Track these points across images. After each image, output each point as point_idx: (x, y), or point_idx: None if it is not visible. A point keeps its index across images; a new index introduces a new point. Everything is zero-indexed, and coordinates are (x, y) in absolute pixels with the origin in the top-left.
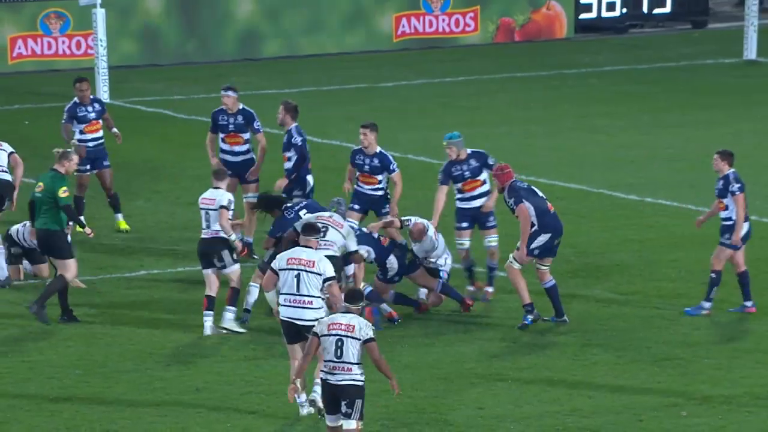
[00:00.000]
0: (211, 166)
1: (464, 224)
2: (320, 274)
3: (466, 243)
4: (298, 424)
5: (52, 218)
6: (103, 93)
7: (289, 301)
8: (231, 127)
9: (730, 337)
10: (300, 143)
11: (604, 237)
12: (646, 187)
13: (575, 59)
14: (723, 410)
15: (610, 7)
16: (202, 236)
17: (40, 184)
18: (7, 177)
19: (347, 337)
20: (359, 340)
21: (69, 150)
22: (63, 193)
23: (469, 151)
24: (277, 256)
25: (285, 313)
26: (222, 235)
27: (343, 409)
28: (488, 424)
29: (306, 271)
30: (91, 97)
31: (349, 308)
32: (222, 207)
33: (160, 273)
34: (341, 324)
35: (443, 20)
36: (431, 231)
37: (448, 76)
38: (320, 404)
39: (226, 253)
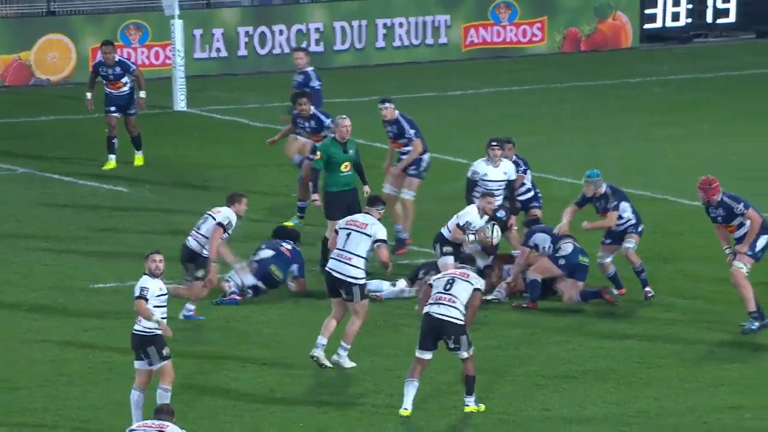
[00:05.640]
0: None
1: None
2: (370, 236)
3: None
4: (372, 424)
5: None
6: (180, 102)
7: (335, 255)
8: (390, 134)
9: None
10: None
11: (669, 242)
12: None
13: (640, 68)
14: None
15: (675, 17)
16: None
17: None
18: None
19: (459, 279)
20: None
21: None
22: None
23: (605, 187)
24: (342, 220)
25: (329, 265)
26: None
27: (449, 344)
28: (554, 426)
29: (357, 231)
30: (117, 59)
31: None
32: None
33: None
34: (456, 272)
35: (511, 30)
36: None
37: (514, 85)
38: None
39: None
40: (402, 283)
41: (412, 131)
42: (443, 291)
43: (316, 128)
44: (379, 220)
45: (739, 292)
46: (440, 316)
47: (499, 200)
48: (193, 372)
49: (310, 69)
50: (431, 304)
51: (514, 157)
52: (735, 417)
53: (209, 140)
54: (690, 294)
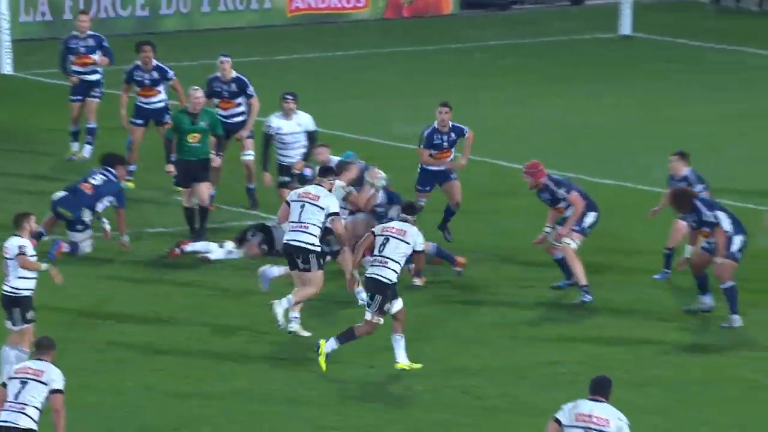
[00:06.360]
0: None
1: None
2: (323, 208)
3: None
4: (199, 387)
5: None
6: (6, 65)
7: (291, 227)
8: (225, 93)
9: (606, 299)
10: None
11: (491, 203)
12: (528, 156)
13: (461, 34)
14: (603, 367)
15: None
16: None
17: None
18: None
19: (394, 237)
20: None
21: None
22: None
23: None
24: (293, 192)
25: (286, 237)
26: None
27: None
28: (378, 381)
29: (310, 203)
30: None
31: (406, 219)
32: None
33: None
34: (393, 228)
35: None
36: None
37: (339, 50)
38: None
39: None
40: (229, 245)
41: (252, 87)
42: (378, 253)
43: (158, 80)
44: (330, 191)
45: (570, 267)
46: (372, 275)
47: (298, 153)
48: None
49: (94, 33)
50: (371, 265)
51: (451, 124)
52: (552, 371)
53: (36, 104)
54: (510, 254)
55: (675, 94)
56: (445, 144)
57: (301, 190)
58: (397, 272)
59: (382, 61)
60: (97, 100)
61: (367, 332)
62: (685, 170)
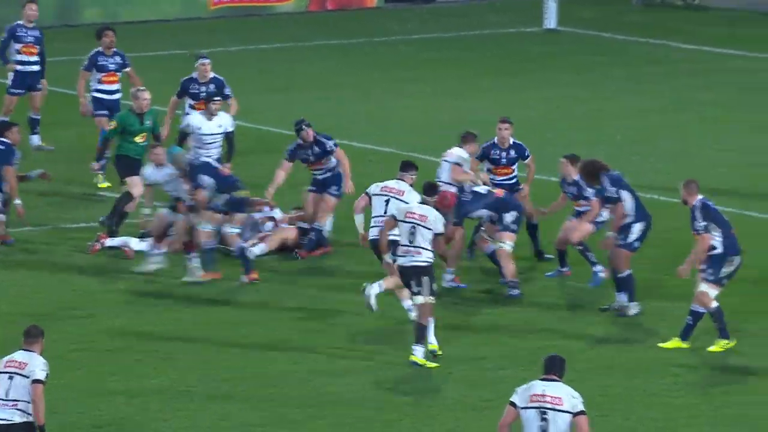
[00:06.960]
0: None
1: None
2: (407, 203)
3: None
4: (115, 378)
5: None
6: None
7: (376, 223)
8: (203, 95)
9: (533, 293)
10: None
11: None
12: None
13: (385, 27)
14: (526, 362)
15: None
16: None
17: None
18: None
19: (419, 225)
20: (430, 230)
21: None
22: None
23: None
24: (374, 185)
25: (372, 233)
26: None
27: (413, 288)
28: (303, 378)
29: (396, 198)
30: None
31: (426, 200)
32: None
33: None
34: (415, 213)
35: None
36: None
37: (263, 43)
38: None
39: None
40: (151, 240)
41: (229, 88)
42: (408, 244)
43: (120, 65)
44: (411, 185)
45: (502, 264)
46: (409, 263)
47: (214, 152)
48: None
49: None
50: (401, 256)
51: (512, 141)
52: (478, 367)
53: None
54: None
55: (601, 88)
56: (504, 160)
57: (381, 184)
58: (431, 254)
59: (307, 54)
60: (42, 92)
61: (430, 314)
62: (575, 175)
